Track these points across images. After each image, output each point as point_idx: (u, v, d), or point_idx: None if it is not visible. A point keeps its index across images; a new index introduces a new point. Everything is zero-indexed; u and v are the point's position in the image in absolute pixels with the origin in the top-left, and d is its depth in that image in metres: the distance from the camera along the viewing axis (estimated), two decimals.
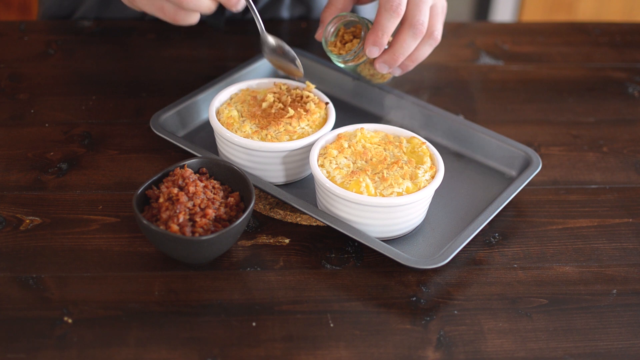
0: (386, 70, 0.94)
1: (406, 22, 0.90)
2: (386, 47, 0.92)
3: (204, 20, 1.15)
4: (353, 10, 1.19)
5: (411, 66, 0.96)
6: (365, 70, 0.98)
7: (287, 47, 0.95)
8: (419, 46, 0.93)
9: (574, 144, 1.04)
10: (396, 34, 0.92)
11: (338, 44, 0.96)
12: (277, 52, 0.95)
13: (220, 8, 1.07)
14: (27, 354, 0.72)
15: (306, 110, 0.91)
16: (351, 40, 0.96)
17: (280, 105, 0.92)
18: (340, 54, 0.95)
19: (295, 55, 0.95)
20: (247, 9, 0.98)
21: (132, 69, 1.13)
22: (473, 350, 0.75)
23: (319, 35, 0.97)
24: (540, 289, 0.82)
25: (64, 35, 1.20)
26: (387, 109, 1.05)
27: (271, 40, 0.95)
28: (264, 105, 0.92)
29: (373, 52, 0.91)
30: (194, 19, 0.89)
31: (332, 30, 0.95)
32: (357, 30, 0.97)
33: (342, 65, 0.96)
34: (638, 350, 0.76)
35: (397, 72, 0.97)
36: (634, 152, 1.03)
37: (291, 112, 0.90)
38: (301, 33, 1.24)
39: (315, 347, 0.75)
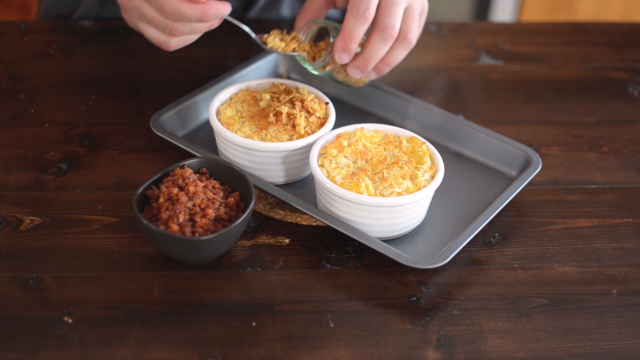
0: (359, 76, 0.92)
1: (376, 26, 0.87)
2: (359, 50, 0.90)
3: None
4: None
5: (386, 70, 0.92)
6: (340, 75, 0.96)
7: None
8: (392, 50, 0.90)
9: (574, 144, 1.04)
10: (366, 38, 0.89)
11: (310, 51, 0.94)
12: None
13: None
14: (27, 354, 0.72)
15: (308, 112, 0.91)
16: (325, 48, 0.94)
17: (278, 104, 0.92)
18: (311, 61, 0.94)
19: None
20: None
21: (132, 69, 1.13)
22: (473, 350, 0.75)
23: None
24: (540, 289, 0.82)
25: (64, 35, 1.19)
26: (388, 109, 1.05)
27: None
28: (262, 104, 0.92)
29: (342, 58, 0.89)
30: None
31: (302, 37, 0.93)
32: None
33: (316, 73, 0.95)
34: (638, 350, 0.76)
35: (372, 76, 0.94)
36: (634, 152, 1.03)
37: (289, 110, 0.90)
38: None
39: (315, 347, 0.75)
